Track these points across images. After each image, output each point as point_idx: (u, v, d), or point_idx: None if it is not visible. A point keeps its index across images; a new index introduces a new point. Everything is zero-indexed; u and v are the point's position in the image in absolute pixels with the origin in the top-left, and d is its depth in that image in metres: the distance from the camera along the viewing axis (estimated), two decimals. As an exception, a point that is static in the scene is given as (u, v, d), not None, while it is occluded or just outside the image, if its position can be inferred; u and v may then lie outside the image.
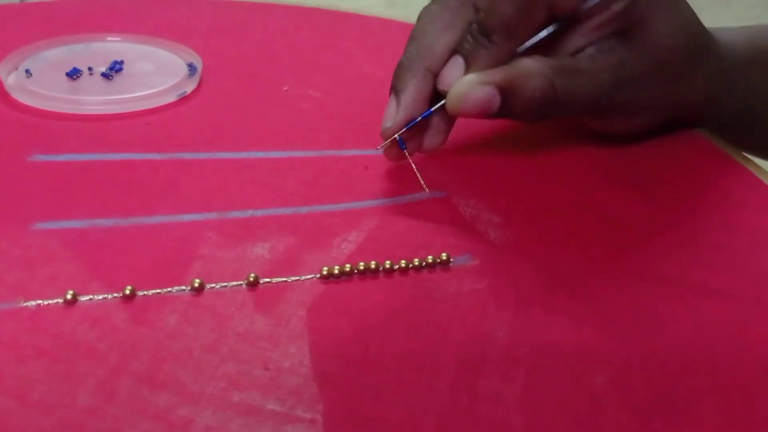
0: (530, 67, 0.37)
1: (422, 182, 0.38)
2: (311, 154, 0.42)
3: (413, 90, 0.37)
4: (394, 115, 0.37)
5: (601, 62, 0.38)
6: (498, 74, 0.36)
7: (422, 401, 0.28)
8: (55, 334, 0.30)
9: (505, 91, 0.36)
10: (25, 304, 0.31)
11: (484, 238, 0.36)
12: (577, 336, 0.31)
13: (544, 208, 0.39)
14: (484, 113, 0.36)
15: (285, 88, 0.49)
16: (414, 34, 0.38)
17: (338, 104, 0.47)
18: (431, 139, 0.39)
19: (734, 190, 0.43)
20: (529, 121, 0.38)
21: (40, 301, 0.31)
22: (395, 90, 0.38)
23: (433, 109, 0.38)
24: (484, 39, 0.37)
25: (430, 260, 0.34)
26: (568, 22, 0.39)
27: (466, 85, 0.36)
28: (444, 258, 0.34)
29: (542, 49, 0.39)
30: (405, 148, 0.38)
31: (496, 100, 0.36)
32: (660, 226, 0.39)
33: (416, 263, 0.34)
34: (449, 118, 0.39)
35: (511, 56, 0.37)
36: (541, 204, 0.39)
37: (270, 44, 0.55)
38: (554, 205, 0.39)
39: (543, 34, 0.38)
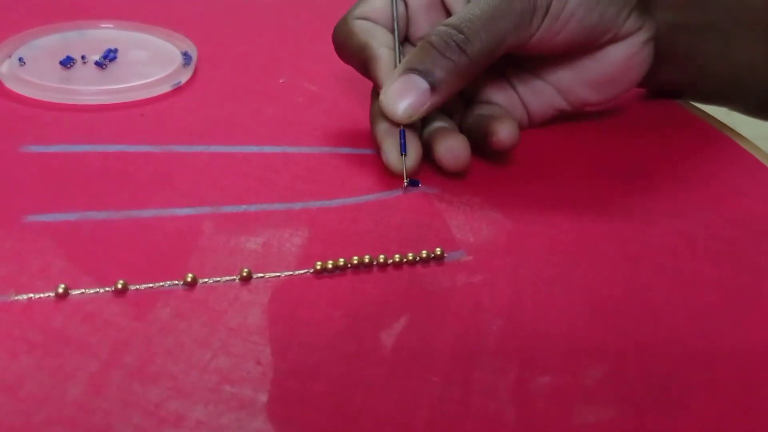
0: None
1: (405, 179, 0.38)
2: (306, 150, 0.42)
3: None
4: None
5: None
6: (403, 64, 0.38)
7: (415, 395, 0.28)
8: (46, 328, 0.29)
9: (416, 63, 0.37)
10: (16, 298, 0.31)
11: (478, 234, 0.36)
12: (571, 328, 0.31)
13: (539, 202, 0.39)
14: (422, 99, 0.37)
15: (281, 80, 0.48)
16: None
17: (334, 99, 0.47)
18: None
19: (735, 177, 0.42)
20: (480, 70, 0.38)
21: (31, 295, 0.31)
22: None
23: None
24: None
25: (424, 255, 0.34)
26: None
27: (387, 85, 0.38)
28: (438, 253, 0.34)
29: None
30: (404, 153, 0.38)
31: (417, 79, 0.37)
32: (656, 216, 0.39)
33: (410, 258, 0.33)
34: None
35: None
36: (535, 199, 0.39)
37: (266, 29, 0.55)
38: (549, 198, 0.39)
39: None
